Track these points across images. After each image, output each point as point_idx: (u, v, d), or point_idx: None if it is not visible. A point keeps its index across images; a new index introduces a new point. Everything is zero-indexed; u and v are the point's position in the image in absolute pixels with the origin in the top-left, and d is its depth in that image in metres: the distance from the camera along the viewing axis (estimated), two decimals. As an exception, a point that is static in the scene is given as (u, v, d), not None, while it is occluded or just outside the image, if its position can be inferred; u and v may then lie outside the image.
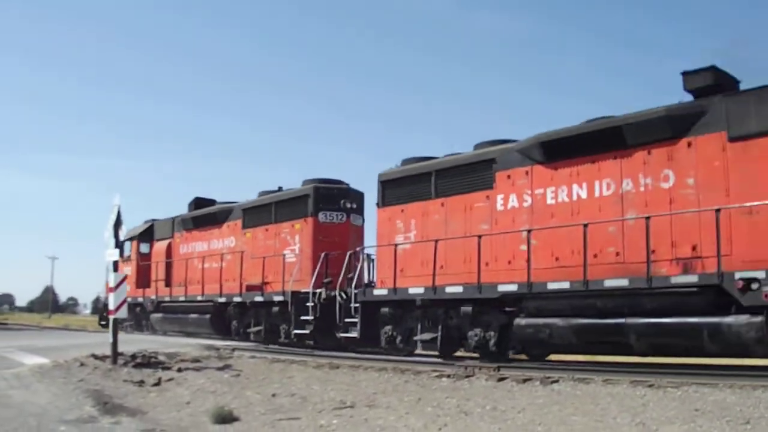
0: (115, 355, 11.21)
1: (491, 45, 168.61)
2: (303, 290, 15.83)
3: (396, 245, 13.80)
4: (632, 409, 6.87)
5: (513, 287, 11.56)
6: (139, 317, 22.29)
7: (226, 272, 18.43)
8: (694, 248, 9.86)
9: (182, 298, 19.96)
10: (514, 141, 12.58)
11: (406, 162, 14.56)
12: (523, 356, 12.51)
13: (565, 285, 10.87)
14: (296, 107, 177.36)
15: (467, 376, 9.59)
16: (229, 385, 9.78)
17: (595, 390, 8.09)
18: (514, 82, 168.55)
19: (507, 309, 11.92)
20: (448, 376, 9.71)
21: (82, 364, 10.99)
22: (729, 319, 9.16)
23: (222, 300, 18.34)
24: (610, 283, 10.37)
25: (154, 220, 22.59)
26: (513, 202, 12.17)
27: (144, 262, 21.90)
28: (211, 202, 20.91)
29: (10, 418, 7.48)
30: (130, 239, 22.10)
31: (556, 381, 8.73)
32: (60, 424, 7.27)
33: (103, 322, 25.14)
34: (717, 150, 9.82)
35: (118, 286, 11.70)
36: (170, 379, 10.10)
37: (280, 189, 18.25)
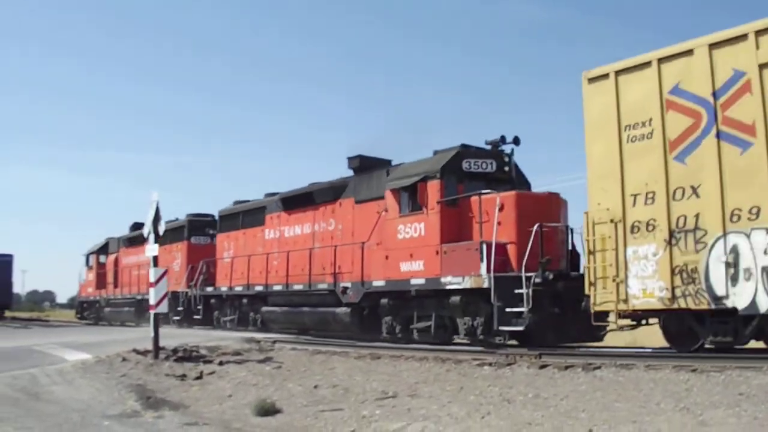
0: (157, 349, 11.04)
1: (517, 35, 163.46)
2: (179, 290, 22.09)
3: (217, 260, 19.99)
4: (676, 395, 6.56)
5: (261, 288, 17.53)
6: (98, 311, 28.94)
7: (143, 278, 24.76)
8: (339, 267, 15.55)
9: (120, 297, 26.54)
10: (279, 193, 18.48)
11: (235, 203, 20.63)
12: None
13: (280, 287, 16.79)
14: (335, 101, 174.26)
15: (509, 364, 9.33)
16: (270, 377, 9.51)
17: (637, 376, 7.75)
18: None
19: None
20: (490, 364, 9.42)
21: (124, 359, 10.87)
22: (338, 310, 14.90)
23: (139, 297, 24.74)
24: (295, 287, 16.25)
25: (109, 238, 29.21)
26: (272, 234, 18.09)
27: (101, 270, 28.61)
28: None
29: (54, 414, 7.30)
30: (92, 253, 28.91)
31: (598, 367, 8.42)
32: (103, 419, 7.09)
33: (78, 315, 31.86)
34: (350, 208, 15.49)
35: (158, 281, 11.51)
36: (212, 373, 9.88)
37: (176, 219, 24.53)
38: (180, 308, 21.65)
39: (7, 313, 35.52)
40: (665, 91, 9.75)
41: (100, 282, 28.31)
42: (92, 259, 29.19)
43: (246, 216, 19.31)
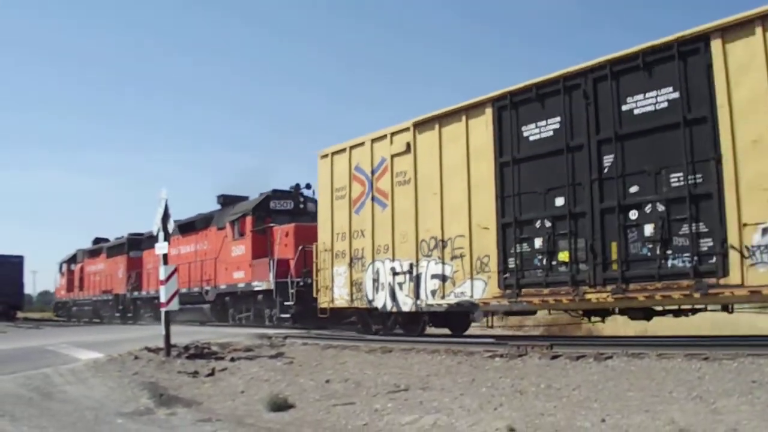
0: (168, 347, 11.13)
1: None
2: (122, 293, 28.17)
3: (142, 271, 26.01)
4: (688, 383, 6.48)
5: (163, 292, 23.47)
6: (68, 310, 35.14)
7: (98, 282, 30.94)
8: (209, 276, 21.36)
9: (83, 298, 32.80)
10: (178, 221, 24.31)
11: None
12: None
13: (183, 290, 22.64)
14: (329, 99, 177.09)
15: (520, 355, 9.21)
16: (282, 372, 9.49)
17: (649, 365, 7.69)
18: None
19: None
20: (501, 355, 9.33)
21: (136, 358, 10.90)
22: (204, 306, 20.80)
23: (95, 299, 30.95)
24: (182, 291, 22.09)
25: (78, 249, 35.33)
26: (176, 251, 23.90)
27: (70, 276, 34.86)
28: (104, 240, 33.30)
29: (68, 413, 7.29)
30: (64, 262, 35.15)
31: (610, 357, 8.32)
32: (117, 417, 7.08)
33: (55, 314, 38.00)
34: (214, 233, 21.28)
35: (168, 278, 11.66)
36: (224, 369, 9.87)
37: (122, 236, 30.49)
38: (121, 307, 27.75)
39: (19, 314, 37.51)
40: (352, 168, 15.20)
41: (70, 286, 34.55)
42: (64, 267, 35.48)
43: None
